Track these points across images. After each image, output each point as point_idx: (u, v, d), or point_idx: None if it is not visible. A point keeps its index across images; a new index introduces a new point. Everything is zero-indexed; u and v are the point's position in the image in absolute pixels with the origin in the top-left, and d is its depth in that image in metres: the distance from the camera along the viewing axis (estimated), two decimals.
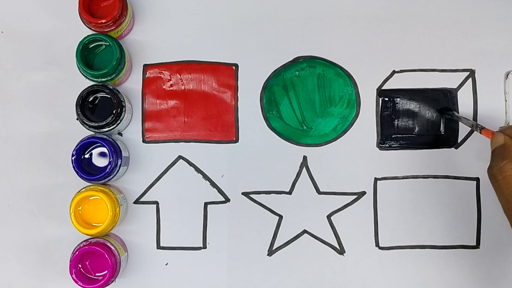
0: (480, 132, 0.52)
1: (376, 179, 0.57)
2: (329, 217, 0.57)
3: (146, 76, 0.58)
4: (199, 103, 0.58)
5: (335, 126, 0.58)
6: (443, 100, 0.58)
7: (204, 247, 0.57)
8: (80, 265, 0.53)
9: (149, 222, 0.57)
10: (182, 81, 0.58)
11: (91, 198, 0.53)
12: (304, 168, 0.57)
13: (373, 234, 0.57)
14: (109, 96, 0.53)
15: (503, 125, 0.57)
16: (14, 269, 0.56)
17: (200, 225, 0.57)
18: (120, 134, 0.57)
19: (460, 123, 0.57)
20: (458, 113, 0.57)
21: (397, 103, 0.58)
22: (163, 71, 0.58)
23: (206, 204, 0.57)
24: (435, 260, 0.57)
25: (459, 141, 0.57)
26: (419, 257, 0.57)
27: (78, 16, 0.54)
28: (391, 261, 0.57)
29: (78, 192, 0.54)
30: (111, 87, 0.53)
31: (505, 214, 0.45)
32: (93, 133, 0.54)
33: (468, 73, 0.58)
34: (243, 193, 0.57)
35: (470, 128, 0.56)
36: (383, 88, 0.58)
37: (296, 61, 0.58)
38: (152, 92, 0.58)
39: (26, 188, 0.56)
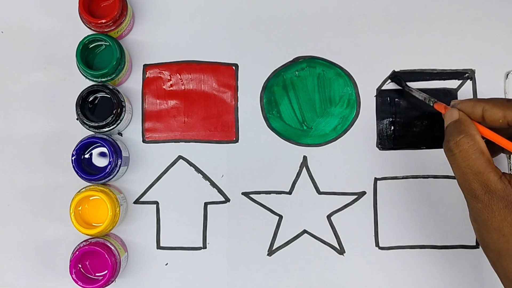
0: (433, 106, 0.52)
1: (376, 179, 0.57)
2: (329, 217, 0.57)
3: (146, 76, 0.58)
4: (199, 103, 0.58)
5: (335, 126, 0.58)
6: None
7: (204, 247, 0.57)
8: (80, 265, 0.53)
9: (149, 222, 0.57)
10: (182, 81, 0.58)
11: (91, 198, 0.53)
12: (304, 168, 0.57)
13: (373, 234, 0.57)
14: (109, 96, 0.53)
15: None
16: (14, 269, 0.56)
17: (200, 225, 0.57)
18: (120, 134, 0.57)
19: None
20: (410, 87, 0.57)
21: (397, 103, 0.58)
22: (163, 71, 0.58)
23: (206, 204, 0.57)
24: (435, 260, 0.57)
25: None
26: (419, 257, 0.57)
27: (78, 16, 0.54)
28: (391, 261, 0.57)
29: (78, 192, 0.54)
30: (111, 87, 0.53)
31: (460, 187, 0.46)
32: (93, 133, 0.54)
33: (468, 73, 0.58)
34: (243, 193, 0.57)
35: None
36: (383, 88, 0.58)
37: (296, 61, 0.58)
38: (152, 92, 0.58)
39: (26, 188, 0.56)
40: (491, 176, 0.44)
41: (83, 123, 0.53)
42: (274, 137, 0.57)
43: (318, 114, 0.58)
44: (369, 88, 0.58)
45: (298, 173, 0.57)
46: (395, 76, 0.57)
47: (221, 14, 0.58)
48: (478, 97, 0.57)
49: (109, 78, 0.53)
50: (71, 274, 0.51)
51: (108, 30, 0.54)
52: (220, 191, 0.57)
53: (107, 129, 0.53)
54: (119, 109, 0.53)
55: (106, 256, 0.51)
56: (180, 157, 0.57)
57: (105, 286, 0.51)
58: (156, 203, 0.57)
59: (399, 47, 0.58)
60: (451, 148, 0.46)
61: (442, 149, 0.57)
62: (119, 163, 0.53)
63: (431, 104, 0.52)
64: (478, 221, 0.45)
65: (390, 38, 0.58)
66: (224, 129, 0.57)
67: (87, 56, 0.54)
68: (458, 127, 0.46)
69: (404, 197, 0.57)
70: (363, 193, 0.57)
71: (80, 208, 0.53)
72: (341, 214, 0.57)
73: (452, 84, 0.58)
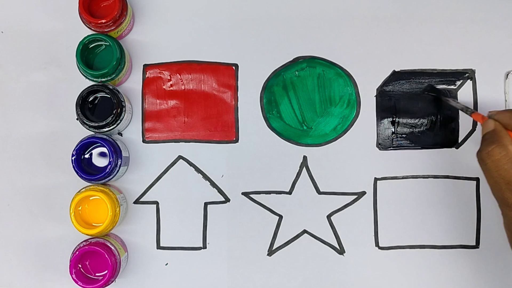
0: (471, 116, 0.53)
1: (376, 179, 0.57)
2: (329, 217, 0.57)
3: (146, 76, 0.58)
4: (199, 103, 0.58)
5: (335, 126, 0.58)
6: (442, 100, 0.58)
7: (204, 247, 0.57)
8: (80, 265, 0.53)
9: (149, 222, 0.57)
10: (182, 81, 0.58)
11: (91, 198, 0.53)
12: (304, 168, 0.57)
13: (373, 234, 0.57)
14: (109, 96, 0.53)
15: None
16: (14, 269, 0.56)
17: (200, 225, 0.57)
18: (120, 134, 0.57)
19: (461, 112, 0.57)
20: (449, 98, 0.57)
21: (397, 103, 0.58)
22: (163, 71, 0.58)
23: (206, 204, 0.57)
24: (435, 260, 0.57)
25: (459, 141, 0.57)
26: (419, 257, 0.57)
27: (78, 16, 0.54)
28: (391, 261, 0.57)
29: (78, 192, 0.54)
30: (111, 87, 0.53)
31: (493, 196, 0.47)
32: (93, 133, 0.54)
33: (468, 73, 0.58)
34: (243, 193, 0.57)
35: (470, 128, 0.57)
36: (383, 88, 0.58)
37: (296, 61, 0.58)
38: (152, 92, 0.58)
39: (26, 188, 0.56)
40: None
41: (83, 123, 0.53)
42: (274, 137, 0.57)
43: (318, 114, 0.58)
44: (369, 88, 0.58)
45: (298, 173, 0.57)
46: (433, 88, 0.57)
47: (221, 14, 0.58)
48: (479, 97, 0.57)
49: (109, 78, 0.53)
50: (71, 274, 0.51)
51: (108, 30, 0.54)
52: (220, 191, 0.57)
53: (107, 129, 0.53)
54: (119, 109, 0.53)
55: (106, 256, 0.51)
56: (180, 157, 0.57)
57: (105, 286, 0.51)
58: (156, 203, 0.57)
59: (399, 47, 0.58)
60: (483, 158, 0.47)
61: (442, 149, 0.58)
62: (119, 163, 0.53)
63: (469, 114, 0.53)
64: None
65: (390, 38, 0.58)
66: (224, 129, 0.57)
67: (87, 56, 0.54)
68: (492, 137, 0.47)
69: (404, 197, 0.57)
70: (363, 193, 0.57)
71: (80, 208, 0.53)
72: (341, 214, 0.57)
73: (452, 84, 0.58)
